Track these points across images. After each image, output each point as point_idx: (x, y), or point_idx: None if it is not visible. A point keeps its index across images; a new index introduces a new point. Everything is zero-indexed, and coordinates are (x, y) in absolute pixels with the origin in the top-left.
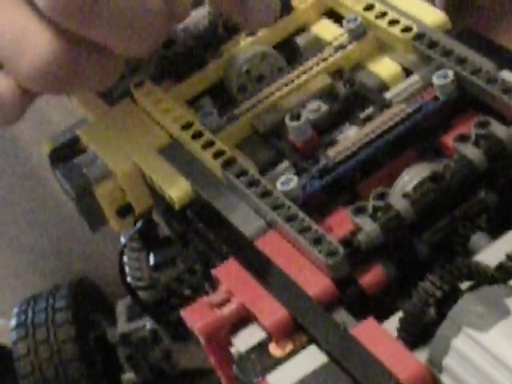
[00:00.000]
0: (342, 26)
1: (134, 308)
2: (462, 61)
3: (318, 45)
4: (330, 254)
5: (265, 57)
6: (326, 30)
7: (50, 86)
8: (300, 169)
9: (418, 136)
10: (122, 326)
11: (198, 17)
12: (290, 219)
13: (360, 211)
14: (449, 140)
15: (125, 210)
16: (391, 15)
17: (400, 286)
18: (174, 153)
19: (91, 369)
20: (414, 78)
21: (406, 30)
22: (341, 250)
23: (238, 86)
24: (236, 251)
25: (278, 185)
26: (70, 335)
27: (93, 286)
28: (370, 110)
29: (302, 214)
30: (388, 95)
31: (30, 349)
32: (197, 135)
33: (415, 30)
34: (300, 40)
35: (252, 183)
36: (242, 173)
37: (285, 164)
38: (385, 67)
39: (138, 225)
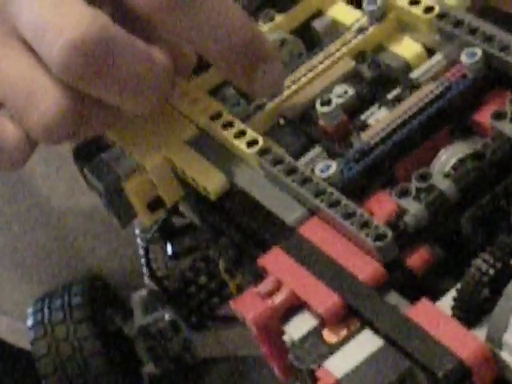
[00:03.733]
0: (358, 8)
1: (150, 300)
2: (488, 38)
3: (336, 28)
4: (378, 237)
5: (284, 43)
6: (342, 12)
7: (57, 139)
8: (333, 153)
9: (450, 115)
10: (139, 318)
11: None
12: (334, 205)
13: (404, 193)
14: (480, 118)
15: (155, 204)
16: None
17: (446, 266)
18: (203, 144)
19: (112, 364)
20: (437, 57)
21: (428, 9)
22: (389, 233)
23: None
24: (279, 240)
25: (317, 171)
26: (90, 332)
27: (104, 281)
28: (397, 91)
29: (345, 200)
30: (413, 75)
31: (51, 348)
32: (227, 125)
33: (437, 9)
34: (317, 24)
35: (290, 171)
36: (279, 161)
37: (317, 149)
38: (407, 48)
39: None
